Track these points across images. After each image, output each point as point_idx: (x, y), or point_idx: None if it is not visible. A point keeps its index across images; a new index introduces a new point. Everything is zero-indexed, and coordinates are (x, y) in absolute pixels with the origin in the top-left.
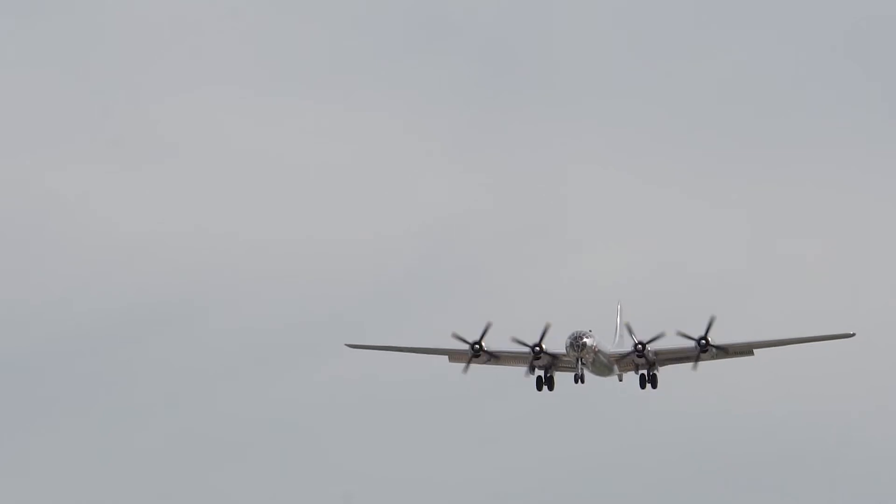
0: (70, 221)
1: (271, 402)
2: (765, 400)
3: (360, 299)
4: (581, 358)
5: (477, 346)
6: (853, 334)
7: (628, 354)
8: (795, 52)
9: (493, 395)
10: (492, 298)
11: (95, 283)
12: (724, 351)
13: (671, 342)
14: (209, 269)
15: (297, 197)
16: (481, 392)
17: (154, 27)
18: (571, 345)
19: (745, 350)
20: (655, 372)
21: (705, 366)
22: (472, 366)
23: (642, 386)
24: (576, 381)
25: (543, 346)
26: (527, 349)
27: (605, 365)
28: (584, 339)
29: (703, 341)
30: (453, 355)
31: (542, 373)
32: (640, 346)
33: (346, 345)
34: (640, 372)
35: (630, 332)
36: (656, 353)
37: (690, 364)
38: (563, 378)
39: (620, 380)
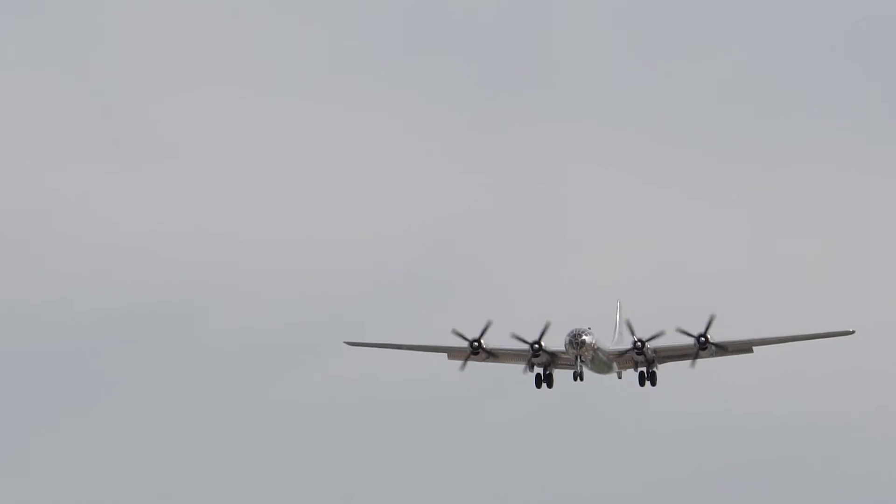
0: (70, 221)
1: (271, 402)
2: (764, 398)
3: (360, 299)
4: (580, 355)
5: (476, 343)
6: (853, 331)
7: (627, 352)
8: (795, 52)
9: (493, 394)
10: (492, 298)
11: (95, 283)
12: (724, 348)
13: (670, 339)
14: (209, 269)
15: (297, 197)
16: (480, 391)
17: (154, 27)
18: (570, 342)
19: (744, 348)
20: (655, 369)
21: (704, 364)
22: (471, 364)
23: (641, 383)
24: (575, 379)
25: (542, 344)
26: (526, 347)
27: (605, 362)
28: (583, 337)
29: (703, 338)
30: (452, 353)
31: (541, 370)
32: (639, 343)
33: (344, 342)
34: (640, 369)
35: (630, 329)
36: (655, 350)
37: (690, 362)
38: (562, 376)
39: (620, 377)
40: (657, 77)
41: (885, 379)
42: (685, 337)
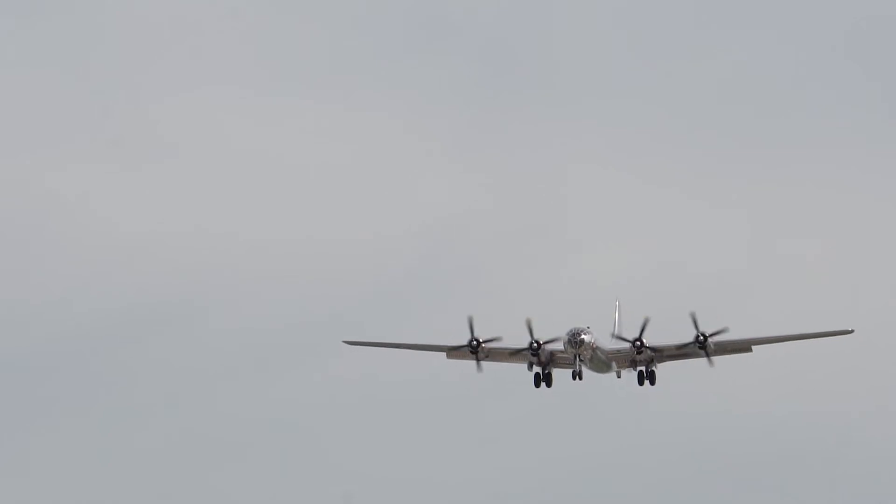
0: (70, 221)
1: (271, 402)
2: (763, 398)
3: (360, 299)
4: (579, 355)
5: (475, 342)
6: (852, 331)
7: (626, 351)
8: (795, 52)
9: (492, 393)
10: (492, 298)
11: (95, 283)
12: (723, 347)
13: (669, 339)
14: (209, 269)
15: (297, 197)
16: (480, 390)
17: (154, 27)
18: (569, 341)
19: (743, 347)
20: (654, 369)
21: (704, 363)
22: (470, 363)
23: (640, 383)
24: (574, 378)
25: (541, 343)
26: (525, 346)
27: (604, 362)
28: (582, 336)
29: (702, 337)
30: (451, 352)
31: (540, 370)
32: (638, 342)
33: (343, 341)
34: (639, 368)
35: (643, 328)
36: (654, 349)
37: (689, 361)
38: (561, 375)
39: (619, 376)
40: (657, 77)
41: (884, 379)
42: (684, 336)
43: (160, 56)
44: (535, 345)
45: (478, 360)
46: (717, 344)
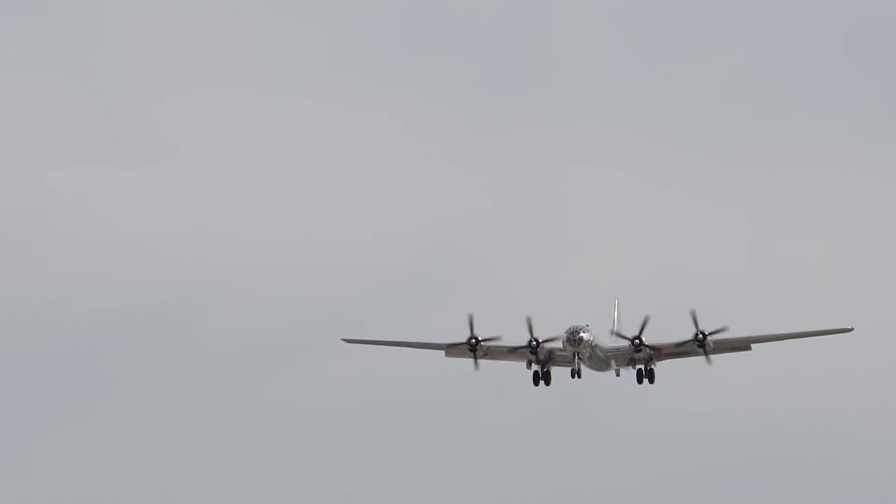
0: (70, 221)
1: (271, 402)
2: (762, 396)
3: (360, 299)
4: (578, 353)
5: (474, 340)
6: (851, 329)
7: (625, 349)
8: (795, 52)
9: (491, 391)
10: (492, 298)
11: (95, 283)
12: (722, 346)
13: (668, 337)
14: (209, 269)
15: (297, 197)
16: (479, 388)
17: (154, 27)
18: (568, 339)
19: (742, 345)
20: (653, 367)
21: (703, 362)
22: (469, 361)
23: (639, 381)
24: (573, 376)
25: (540, 341)
26: (524, 343)
27: (602, 360)
28: (581, 334)
29: (701, 336)
30: (450, 350)
31: (538, 368)
32: (636, 340)
33: (342, 339)
34: (638, 367)
35: (642, 327)
36: (653, 347)
37: (689, 359)
38: (560, 373)
39: (618, 375)
40: (657, 77)
41: (884, 378)
42: (683, 334)
43: (160, 56)
44: (534, 343)
45: (475, 357)
46: (716, 342)
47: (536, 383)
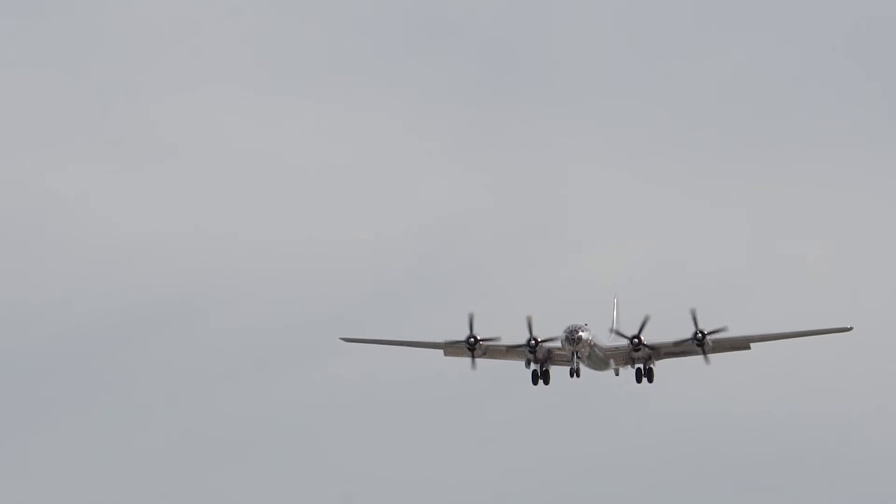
0: (70, 221)
1: (271, 402)
2: (762, 396)
3: (360, 299)
4: (577, 352)
5: (473, 339)
6: (850, 328)
7: (624, 348)
8: (795, 52)
9: (490, 391)
10: (492, 298)
11: (95, 283)
12: (721, 345)
13: (667, 336)
14: (209, 269)
15: (297, 197)
16: (478, 387)
17: (154, 27)
18: (567, 338)
19: (741, 344)
20: (652, 366)
21: (702, 361)
22: (468, 360)
23: (638, 380)
24: (571, 376)
25: (539, 340)
26: (522, 342)
27: (601, 359)
28: (580, 333)
29: (700, 335)
30: (448, 349)
31: (537, 367)
32: (635, 339)
33: (340, 338)
34: (637, 366)
35: (642, 326)
36: (652, 346)
37: (688, 358)
38: (559, 372)
39: (617, 374)
40: (657, 77)
41: (883, 378)
42: (682, 333)
43: (160, 56)
44: (533, 342)
45: (474, 357)
46: (715, 341)
47: (535, 382)
